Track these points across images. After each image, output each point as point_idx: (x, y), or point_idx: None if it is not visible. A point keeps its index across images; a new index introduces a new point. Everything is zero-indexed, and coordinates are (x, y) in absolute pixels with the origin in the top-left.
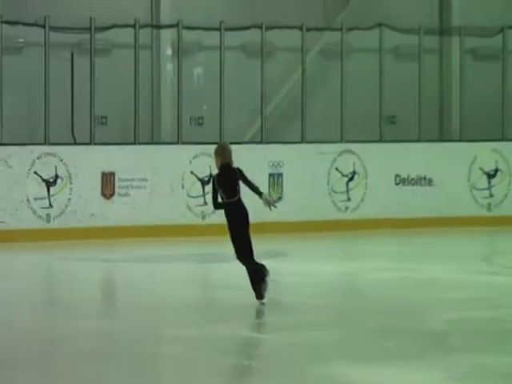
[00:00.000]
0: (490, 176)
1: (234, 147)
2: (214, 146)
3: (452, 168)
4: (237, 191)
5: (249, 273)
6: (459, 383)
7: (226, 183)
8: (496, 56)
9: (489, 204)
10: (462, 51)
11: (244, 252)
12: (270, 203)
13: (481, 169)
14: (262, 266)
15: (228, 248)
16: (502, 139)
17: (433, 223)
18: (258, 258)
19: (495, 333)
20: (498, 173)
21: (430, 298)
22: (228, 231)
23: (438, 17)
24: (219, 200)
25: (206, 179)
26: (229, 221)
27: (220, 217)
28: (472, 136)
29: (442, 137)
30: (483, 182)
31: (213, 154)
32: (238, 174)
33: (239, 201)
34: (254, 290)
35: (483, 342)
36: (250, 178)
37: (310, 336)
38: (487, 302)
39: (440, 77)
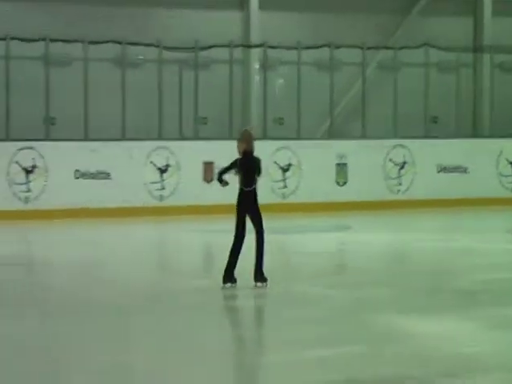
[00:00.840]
0: None
1: (307, 143)
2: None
3: (483, 159)
4: (255, 180)
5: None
6: (489, 331)
7: (248, 170)
8: None
9: None
10: (492, 65)
11: (240, 248)
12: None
13: (507, 159)
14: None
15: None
16: None
17: (467, 203)
18: (328, 230)
19: None
20: None
21: (465, 262)
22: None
23: (472, 37)
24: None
25: (285, 168)
26: (240, 209)
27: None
28: (499, 133)
29: (475, 134)
30: (508, 170)
31: (239, 140)
32: (258, 163)
33: (255, 191)
34: (256, 269)
35: (509, 298)
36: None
37: (368, 292)
38: None
39: (474, 86)
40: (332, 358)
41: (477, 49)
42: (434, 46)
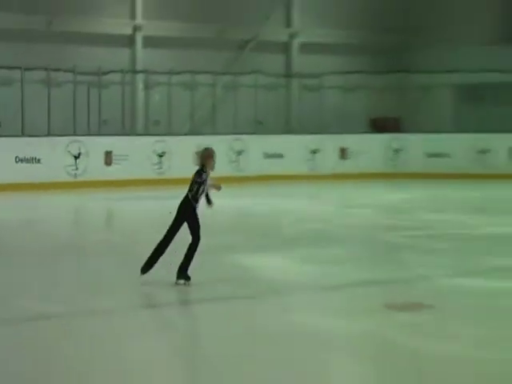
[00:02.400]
0: None
1: (176, 137)
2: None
3: (293, 148)
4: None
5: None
6: (303, 265)
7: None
8: None
9: None
10: (299, 86)
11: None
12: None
13: (308, 147)
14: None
15: None
16: None
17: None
18: None
19: None
20: None
21: (287, 218)
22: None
23: (285, 67)
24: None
25: (161, 154)
26: (196, 215)
27: None
28: (305, 131)
29: (288, 132)
30: (311, 156)
31: (198, 155)
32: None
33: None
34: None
35: (319, 242)
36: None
37: (222, 239)
38: None
39: (287, 100)
40: (197, 284)
41: (288, 75)
42: (261, 73)
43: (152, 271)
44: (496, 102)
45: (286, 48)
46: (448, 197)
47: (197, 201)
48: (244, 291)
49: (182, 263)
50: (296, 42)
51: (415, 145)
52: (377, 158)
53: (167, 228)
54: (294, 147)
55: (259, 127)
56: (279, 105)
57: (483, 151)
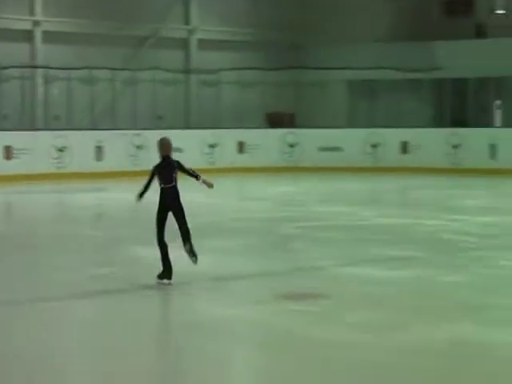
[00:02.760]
0: None
1: (76, 132)
2: None
3: (192, 142)
4: (174, 178)
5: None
6: (199, 255)
7: (165, 169)
8: None
9: None
10: (197, 81)
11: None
12: (206, 183)
13: (207, 142)
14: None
15: None
16: None
17: None
18: (90, 191)
19: None
20: None
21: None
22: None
23: (183, 63)
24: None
25: (61, 149)
26: (161, 204)
27: None
28: (203, 126)
29: (186, 126)
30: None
31: (157, 145)
32: (177, 165)
33: (174, 187)
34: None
35: (209, 234)
36: (187, 167)
37: (119, 232)
38: None
39: (186, 94)
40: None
41: (187, 71)
42: (159, 69)
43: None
44: (388, 97)
45: (184, 44)
46: (341, 189)
47: (169, 184)
48: (140, 282)
49: (188, 246)
50: (194, 39)
51: (310, 139)
52: (273, 152)
53: (156, 222)
54: (192, 142)
55: (159, 122)
56: (178, 100)
57: (375, 145)
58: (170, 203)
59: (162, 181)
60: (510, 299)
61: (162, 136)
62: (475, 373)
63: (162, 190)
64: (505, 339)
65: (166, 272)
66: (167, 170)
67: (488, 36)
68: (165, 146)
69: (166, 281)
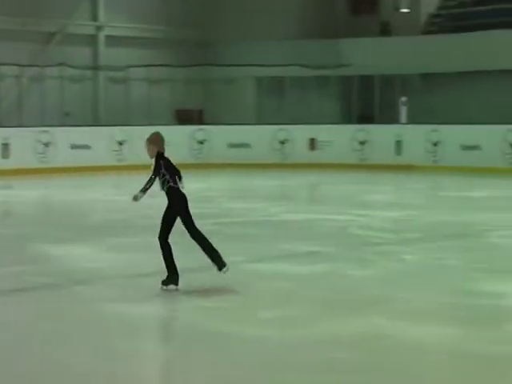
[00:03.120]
0: None
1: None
2: None
3: (100, 139)
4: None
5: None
6: (106, 253)
7: (172, 167)
8: None
9: None
10: (105, 78)
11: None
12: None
13: (116, 140)
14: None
15: None
16: None
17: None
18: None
19: None
20: None
21: (99, 208)
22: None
23: (92, 59)
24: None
25: None
26: (174, 204)
27: None
28: (112, 123)
29: (94, 123)
30: None
31: (146, 142)
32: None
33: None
34: (212, 259)
35: (125, 231)
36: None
37: (30, 229)
38: None
39: (94, 91)
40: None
41: (95, 67)
42: (67, 65)
43: None
44: (296, 94)
45: (92, 41)
46: (250, 186)
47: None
48: (50, 280)
49: (212, 256)
50: (102, 35)
51: (218, 136)
52: (182, 149)
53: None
54: (101, 139)
55: (66, 119)
56: (86, 97)
57: (283, 142)
58: (187, 205)
59: (172, 180)
60: (412, 292)
61: (153, 131)
62: (387, 364)
63: (177, 190)
64: (413, 331)
65: (171, 278)
66: (173, 168)
67: (392, 34)
68: (163, 140)
69: (172, 286)
